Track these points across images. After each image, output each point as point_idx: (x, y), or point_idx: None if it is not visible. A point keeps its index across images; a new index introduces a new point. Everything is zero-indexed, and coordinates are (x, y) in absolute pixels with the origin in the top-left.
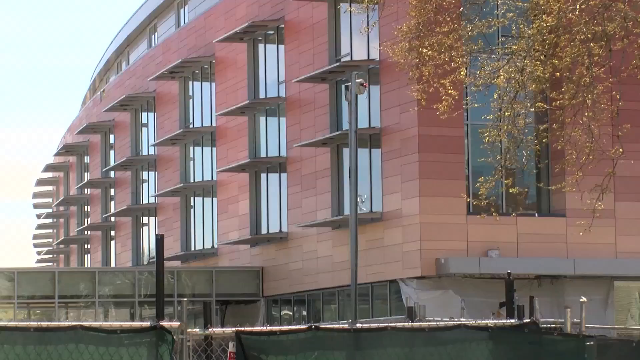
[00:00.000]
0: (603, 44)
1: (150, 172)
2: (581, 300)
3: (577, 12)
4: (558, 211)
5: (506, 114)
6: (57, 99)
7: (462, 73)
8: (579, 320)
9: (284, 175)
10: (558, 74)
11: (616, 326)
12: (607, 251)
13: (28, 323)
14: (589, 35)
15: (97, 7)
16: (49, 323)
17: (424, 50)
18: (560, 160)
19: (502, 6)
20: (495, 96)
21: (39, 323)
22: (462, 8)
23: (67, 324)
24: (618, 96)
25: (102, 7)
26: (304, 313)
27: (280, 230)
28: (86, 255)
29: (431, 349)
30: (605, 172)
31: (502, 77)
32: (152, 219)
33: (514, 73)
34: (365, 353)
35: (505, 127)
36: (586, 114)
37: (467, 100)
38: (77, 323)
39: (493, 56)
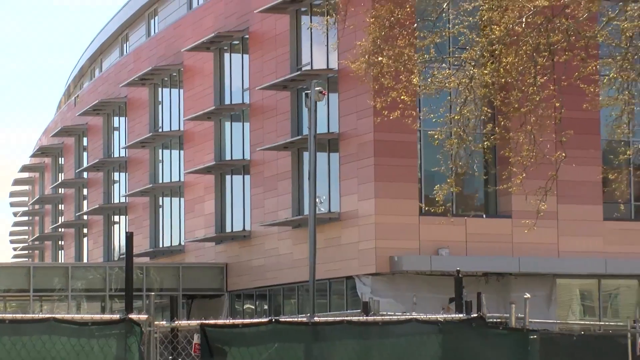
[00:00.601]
0: (546, 55)
1: (121, 173)
2: (525, 296)
3: (522, 25)
4: (504, 213)
5: (455, 117)
6: (33, 103)
7: (414, 80)
8: (523, 315)
9: (247, 177)
10: (504, 80)
11: (558, 321)
12: (550, 251)
13: (3, 315)
14: (534, 46)
15: (72, 16)
16: (24, 315)
17: (381, 59)
18: (506, 164)
19: (453, 20)
20: (445, 102)
21: (13, 315)
22: (416, 24)
23: (40, 316)
24: (558, 104)
25: (77, 17)
26: (266, 307)
27: (244, 229)
28: (60, 252)
29: (384, 341)
30: (548, 176)
31: (452, 83)
32: (122, 217)
33: (463, 79)
34: (322, 345)
35: (455, 129)
36: (531, 120)
37: (422, 111)
38: (50, 315)
39: (444, 65)
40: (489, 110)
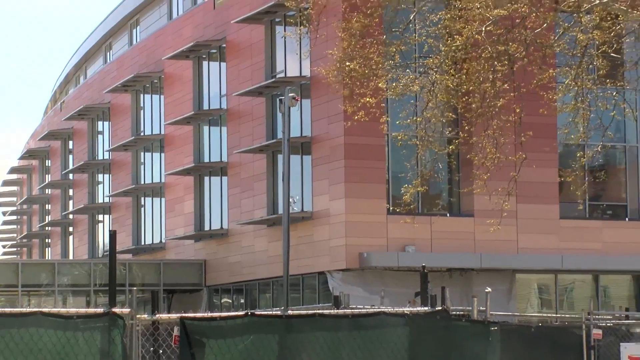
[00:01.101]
0: (506, 63)
1: (105, 175)
2: (486, 290)
3: (483, 34)
4: (467, 212)
5: (418, 119)
6: (21, 108)
7: (380, 84)
8: (484, 308)
9: (224, 179)
10: (465, 87)
11: (517, 313)
12: (510, 247)
13: None
14: (494, 55)
15: (58, 26)
16: (12, 309)
17: (349, 64)
18: (469, 166)
19: (419, 30)
20: (409, 105)
21: (2, 309)
22: (384, 36)
23: (28, 310)
24: (517, 109)
25: (63, 26)
26: (242, 301)
27: (221, 227)
28: (47, 249)
29: (354, 333)
30: (510, 177)
31: (416, 87)
32: (106, 216)
33: (427, 84)
34: (295, 337)
35: (419, 132)
36: (493, 125)
37: (390, 115)
38: (37, 309)
39: (408, 70)
40: (452, 115)
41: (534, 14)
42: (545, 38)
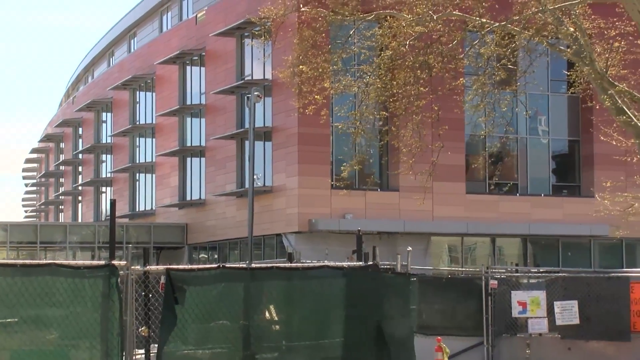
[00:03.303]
0: (425, 71)
1: (108, 155)
2: (408, 249)
3: (407, 47)
4: (393, 187)
5: (357, 114)
6: (41, 102)
7: (325, 84)
8: (406, 263)
9: (203, 159)
10: (394, 89)
11: (431, 268)
12: (427, 216)
13: (16, 261)
14: (416, 64)
15: (71, 35)
16: (32, 261)
17: (302, 68)
18: (396, 151)
19: (357, 42)
20: (349, 102)
21: (24, 261)
22: (329, 47)
23: (44, 261)
24: (435, 108)
25: (75, 35)
26: (216, 256)
27: (200, 198)
28: (60, 214)
29: (304, 282)
30: (429, 160)
31: (355, 88)
32: (108, 188)
33: (362, 86)
34: (257, 284)
35: (357, 123)
36: (416, 119)
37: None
38: (52, 261)
39: (348, 74)
40: (383, 112)
41: (447, 32)
42: (457, 52)
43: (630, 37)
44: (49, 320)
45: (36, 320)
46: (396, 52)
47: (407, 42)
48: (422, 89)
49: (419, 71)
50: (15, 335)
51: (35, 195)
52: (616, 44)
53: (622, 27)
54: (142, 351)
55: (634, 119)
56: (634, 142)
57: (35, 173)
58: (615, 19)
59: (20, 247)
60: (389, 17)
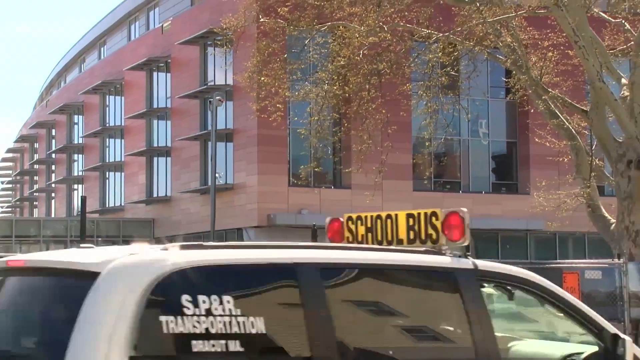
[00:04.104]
0: (376, 77)
1: (79, 155)
2: None
3: (360, 56)
4: (346, 185)
5: (315, 118)
6: (16, 104)
7: (286, 93)
8: None
9: (169, 159)
10: (347, 94)
11: None
12: (376, 211)
13: None
14: (368, 71)
15: (45, 43)
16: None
17: (262, 79)
18: (349, 152)
19: (313, 51)
20: (308, 109)
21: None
22: (286, 54)
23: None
24: (384, 111)
25: (48, 43)
26: None
27: (166, 195)
28: (35, 209)
29: None
30: (379, 159)
31: (312, 95)
32: (80, 185)
33: (319, 92)
34: None
35: (314, 126)
36: (367, 122)
37: (291, 114)
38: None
39: (306, 83)
40: (337, 115)
41: (395, 42)
42: (405, 60)
43: (562, 47)
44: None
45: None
46: (349, 61)
47: (360, 52)
48: (372, 93)
49: (369, 77)
50: None
51: (11, 192)
52: (549, 54)
53: (555, 38)
54: None
55: (565, 122)
56: (566, 143)
57: (11, 171)
58: (548, 31)
59: None
60: (341, 27)
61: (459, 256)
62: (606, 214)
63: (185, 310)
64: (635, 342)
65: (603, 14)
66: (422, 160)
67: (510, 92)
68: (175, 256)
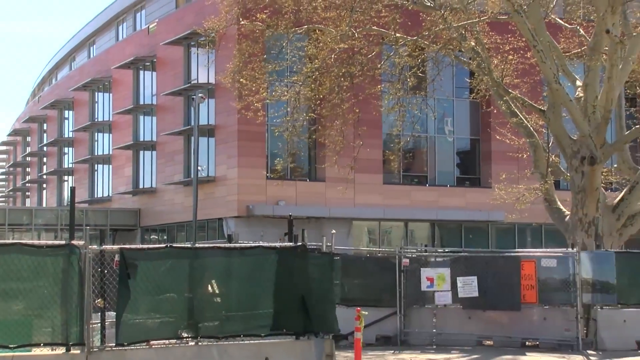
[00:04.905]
0: (348, 79)
1: (70, 148)
2: (332, 232)
3: (332, 59)
4: (320, 178)
5: (288, 118)
6: (10, 100)
7: (263, 93)
8: (330, 244)
9: (154, 152)
10: (320, 95)
11: (353, 248)
12: (349, 203)
13: None
14: (340, 73)
15: (36, 41)
16: (0, 241)
17: (242, 80)
18: (323, 147)
19: (290, 53)
20: (282, 109)
21: None
22: (265, 56)
23: (11, 241)
24: (356, 110)
25: (39, 42)
26: (165, 237)
27: (152, 186)
28: (27, 199)
29: (242, 260)
30: (352, 156)
31: (287, 95)
32: (70, 177)
33: (294, 93)
34: (200, 261)
35: (289, 125)
36: (339, 121)
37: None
38: (18, 241)
39: (281, 84)
40: (312, 114)
41: (367, 45)
42: (375, 63)
43: (521, 51)
44: (14, 293)
45: (3, 294)
46: (323, 63)
47: (333, 55)
48: (345, 94)
49: (342, 79)
50: None
51: (4, 183)
52: (510, 57)
53: (515, 42)
54: (98, 320)
55: (524, 121)
56: (525, 141)
57: (4, 163)
58: (509, 36)
59: None
60: (317, 31)
61: None
62: (561, 207)
63: None
64: (587, 325)
65: (559, 20)
66: (392, 156)
67: (473, 92)
68: None
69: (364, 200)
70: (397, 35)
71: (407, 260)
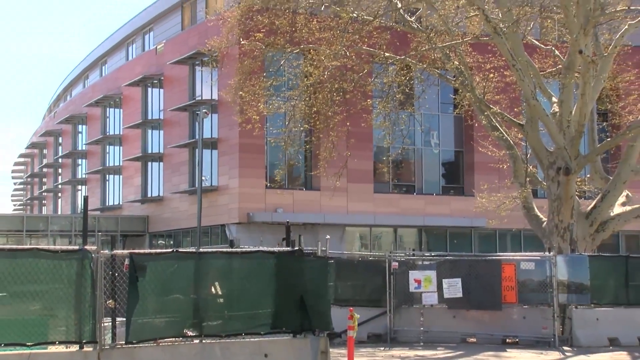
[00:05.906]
0: (341, 94)
1: (83, 160)
2: (326, 237)
3: (326, 75)
4: (316, 187)
5: (284, 130)
6: (28, 115)
7: (261, 107)
8: (325, 249)
9: (162, 164)
10: (315, 109)
11: (346, 252)
12: (342, 210)
13: (5, 246)
14: (333, 89)
15: (52, 62)
16: (18, 246)
17: (241, 93)
18: (317, 159)
19: (287, 71)
20: (279, 122)
21: (10, 246)
22: (264, 74)
23: (29, 247)
24: (348, 123)
25: (55, 62)
26: (171, 242)
27: (159, 195)
28: (43, 207)
29: (243, 262)
30: (340, 166)
31: (283, 109)
32: (83, 187)
33: (291, 107)
34: (204, 264)
35: (286, 138)
36: (332, 134)
37: (267, 126)
38: (35, 246)
39: (278, 98)
40: (307, 126)
41: (358, 64)
42: (366, 79)
43: (501, 70)
44: (31, 295)
45: (21, 295)
46: (318, 80)
47: (327, 72)
48: (337, 108)
49: (335, 94)
50: (3, 307)
51: (22, 192)
52: (491, 75)
53: (495, 61)
54: (109, 319)
55: (504, 134)
56: (505, 152)
57: (22, 174)
58: (490, 55)
59: (9, 234)
60: (312, 50)
61: None
62: (539, 214)
63: None
64: (563, 323)
65: (536, 42)
66: (382, 167)
67: (457, 107)
68: None
69: (356, 208)
70: (387, 54)
71: (396, 264)
